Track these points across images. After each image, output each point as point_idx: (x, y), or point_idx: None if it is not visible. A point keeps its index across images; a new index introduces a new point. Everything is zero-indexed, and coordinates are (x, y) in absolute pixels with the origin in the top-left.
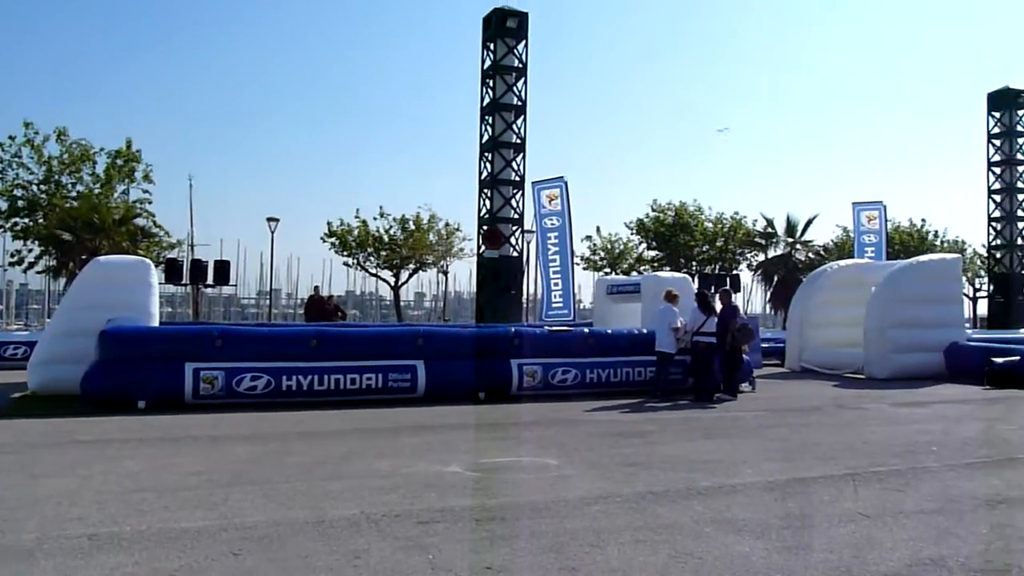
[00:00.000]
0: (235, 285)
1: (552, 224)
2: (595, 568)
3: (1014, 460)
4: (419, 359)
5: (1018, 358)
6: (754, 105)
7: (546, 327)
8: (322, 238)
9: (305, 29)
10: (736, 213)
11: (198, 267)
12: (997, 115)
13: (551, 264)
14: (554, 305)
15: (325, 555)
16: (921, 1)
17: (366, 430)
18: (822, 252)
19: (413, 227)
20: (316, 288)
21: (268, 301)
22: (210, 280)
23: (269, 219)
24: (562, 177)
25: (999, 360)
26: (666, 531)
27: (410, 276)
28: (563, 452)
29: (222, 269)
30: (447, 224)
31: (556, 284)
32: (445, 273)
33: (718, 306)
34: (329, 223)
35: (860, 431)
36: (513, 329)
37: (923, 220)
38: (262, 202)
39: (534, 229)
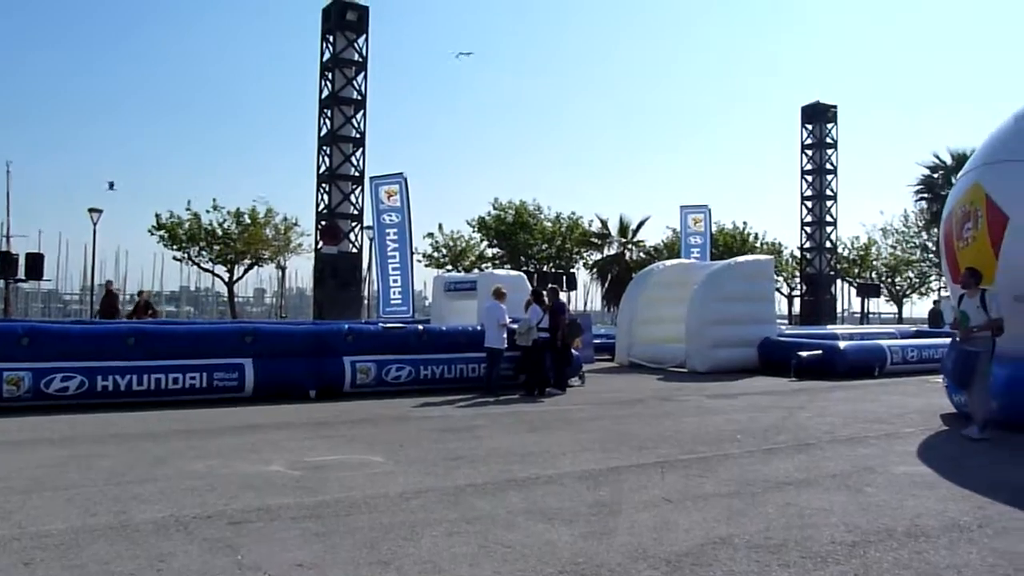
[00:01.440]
0: (49, 280)
1: (391, 220)
2: (407, 560)
3: (806, 445)
4: (247, 357)
5: (820, 352)
6: (590, 109)
7: (380, 324)
8: (150, 231)
9: (136, 13)
10: (573, 213)
11: (7, 260)
12: (810, 127)
13: (390, 261)
14: (393, 302)
15: (127, 560)
16: (747, 18)
17: (186, 431)
18: (652, 252)
19: (248, 221)
20: (108, 282)
21: (91, 297)
22: (21, 274)
23: (91, 210)
24: (401, 173)
25: (804, 354)
26: (480, 522)
27: (245, 272)
28: (389, 449)
29: (35, 262)
30: (284, 218)
31: (395, 281)
32: (283, 269)
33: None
34: (158, 215)
35: (675, 422)
36: (347, 326)
37: (745, 223)
38: (86, 192)
39: (373, 225)
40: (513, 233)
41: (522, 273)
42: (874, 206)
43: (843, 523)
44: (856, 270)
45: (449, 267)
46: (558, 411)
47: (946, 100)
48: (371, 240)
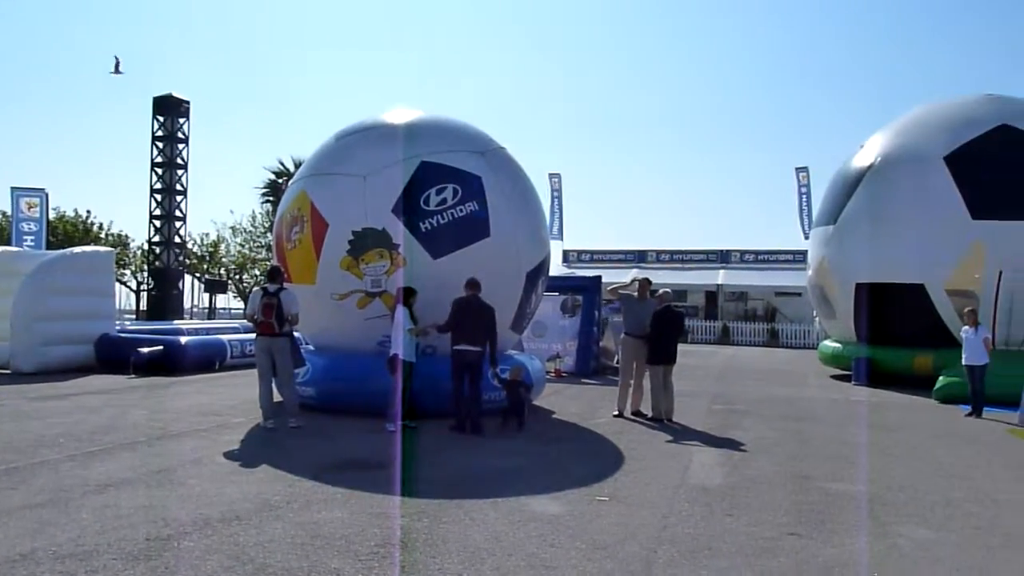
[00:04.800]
0: None
1: None
2: None
3: (136, 443)
4: None
5: (161, 348)
6: None
7: None
8: None
9: None
10: None
11: None
12: (161, 119)
13: None
14: None
15: None
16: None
17: None
18: None
19: None
20: None
21: None
22: None
23: None
24: None
25: (145, 350)
26: None
27: None
28: None
29: None
30: None
31: None
32: None
33: None
34: None
35: None
36: None
37: (88, 211)
38: None
39: None
40: None
41: None
42: (226, 205)
43: (162, 518)
44: (205, 266)
45: None
46: None
47: (296, 109)
48: None
